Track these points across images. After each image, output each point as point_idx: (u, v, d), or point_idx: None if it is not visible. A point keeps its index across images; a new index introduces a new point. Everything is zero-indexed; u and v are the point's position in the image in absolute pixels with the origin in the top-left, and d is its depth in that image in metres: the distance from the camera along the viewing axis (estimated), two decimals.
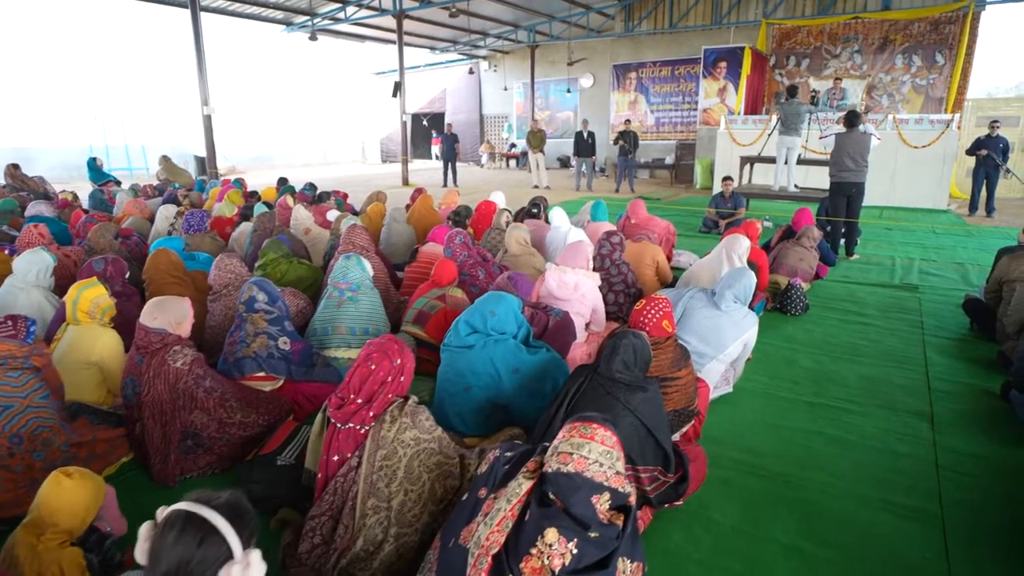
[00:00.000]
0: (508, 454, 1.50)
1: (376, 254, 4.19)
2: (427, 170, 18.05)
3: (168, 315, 2.30)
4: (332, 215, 6.37)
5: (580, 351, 3.10)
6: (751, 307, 3.85)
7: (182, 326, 2.36)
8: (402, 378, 1.82)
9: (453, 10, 11.75)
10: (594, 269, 3.76)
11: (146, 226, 5.82)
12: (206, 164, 10.61)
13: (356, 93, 23.30)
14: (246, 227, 5.35)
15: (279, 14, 14.32)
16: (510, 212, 4.89)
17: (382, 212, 6.07)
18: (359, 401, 1.76)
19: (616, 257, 3.74)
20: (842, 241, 6.33)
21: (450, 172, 13.98)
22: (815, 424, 2.73)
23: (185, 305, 2.39)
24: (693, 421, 2.43)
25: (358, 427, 1.75)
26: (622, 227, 5.45)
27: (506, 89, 19.80)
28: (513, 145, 19.75)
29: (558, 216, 4.87)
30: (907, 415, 2.81)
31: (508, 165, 19.92)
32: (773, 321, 4.17)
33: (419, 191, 6.69)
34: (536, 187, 13.42)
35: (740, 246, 3.50)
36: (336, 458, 1.76)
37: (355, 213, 7.01)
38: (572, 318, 3.16)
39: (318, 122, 22.89)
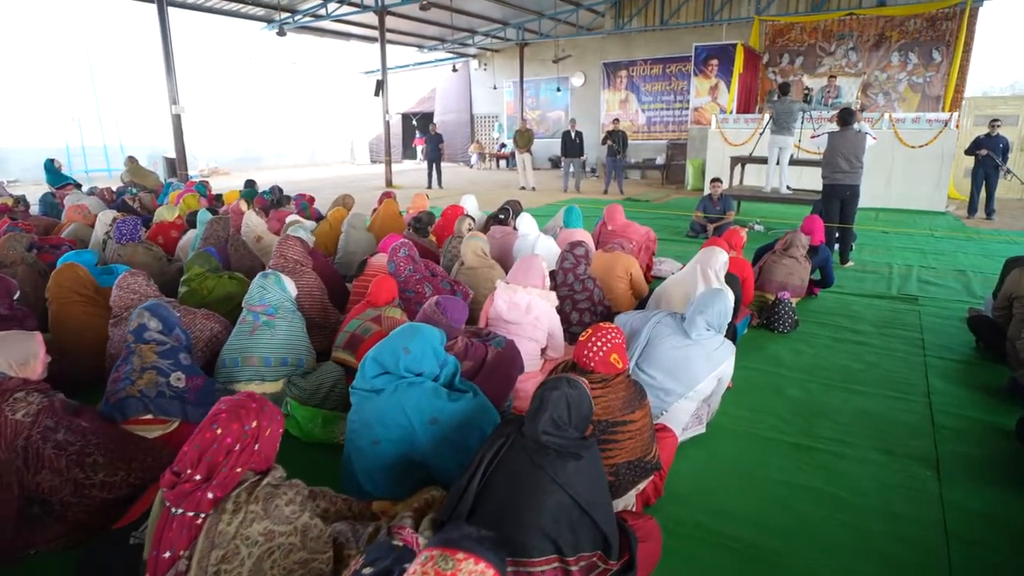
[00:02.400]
0: (367, 571, 1.09)
1: (316, 268, 3.77)
2: (415, 171, 17.63)
3: (6, 354, 1.89)
4: (292, 221, 5.96)
5: (533, 383, 2.68)
6: (734, 325, 3.47)
7: (29, 367, 1.94)
8: (256, 446, 1.41)
9: (425, 2, 11.31)
10: (557, 285, 3.36)
11: (89, 233, 5.39)
12: (176, 166, 10.18)
13: (344, 93, 22.89)
14: (193, 234, 4.94)
15: (259, 11, 13.86)
16: (472, 219, 4.48)
17: (344, 218, 5.65)
18: (197, 478, 1.34)
19: (581, 271, 3.33)
20: (836, 247, 5.94)
21: (435, 173, 13.57)
22: (802, 474, 2.32)
23: (33, 342, 1.97)
24: (652, 477, 2.02)
25: (192, 515, 1.33)
26: (598, 233, 5.04)
27: (495, 88, 19.39)
28: (503, 145, 19.33)
29: (526, 223, 4.46)
30: (909, 461, 2.41)
31: (498, 165, 19.51)
32: (759, 340, 3.77)
33: (386, 195, 6.28)
34: (523, 188, 13.03)
35: (716, 261, 3.08)
36: (167, 555, 1.34)
37: (320, 218, 6.60)
38: (521, 346, 2.75)
39: (306, 122, 22.48)
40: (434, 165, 13.54)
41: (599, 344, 1.92)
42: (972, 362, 3.47)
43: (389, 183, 13.76)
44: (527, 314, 2.76)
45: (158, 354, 2.36)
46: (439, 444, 1.91)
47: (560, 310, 3.31)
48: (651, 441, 1.98)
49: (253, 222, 5.15)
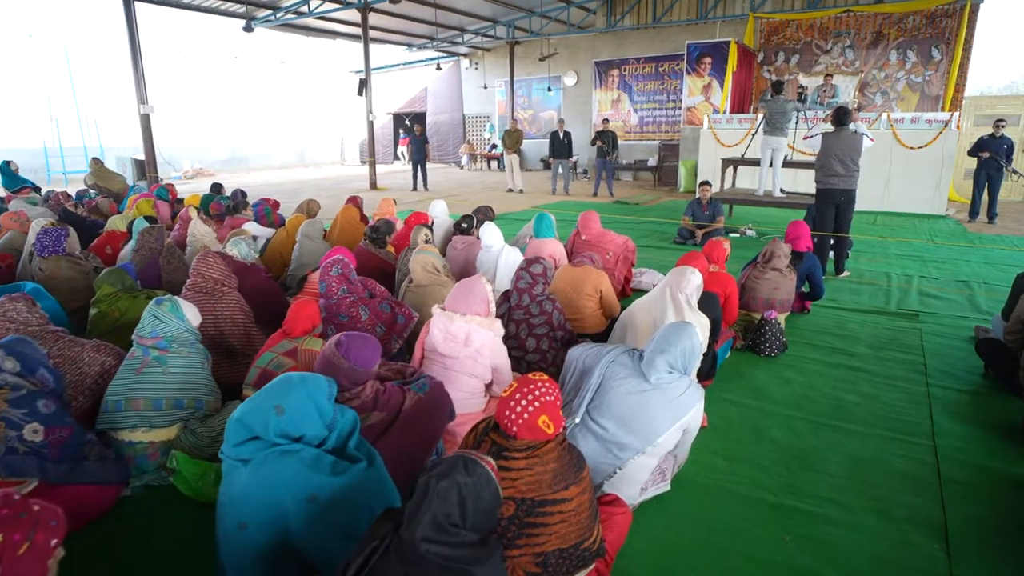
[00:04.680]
0: None
1: (252, 286, 3.39)
2: (403, 172, 17.20)
3: None
4: (253, 229, 5.57)
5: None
6: (714, 350, 3.08)
7: None
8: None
9: None
10: (511, 307, 2.97)
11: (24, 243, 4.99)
12: (145, 168, 9.78)
13: (334, 92, 22.48)
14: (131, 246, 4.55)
15: (239, 7, 13.42)
16: (429, 230, 4.08)
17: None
18: None
19: (538, 292, 2.93)
20: (831, 255, 5.56)
21: (420, 175, 13.18)
22: (782, 548, 1.92)
23: None
24: (594, 565, 1.63)
25: None
26: (571, 243, 4.65)
27: (486, 88, 18.99)
28: (494, 146, 18.94)
29: (490, 233, 4.06)
30: (911, 528, 2.02)
31: (489, 167, 19.12)
32: (742, 366, 3.38)
33: (351, 200, 5.87)
34: (511, 190, 12.66)
35: (688, 284, 2.67)
36: None
37: (280, 225, 6.20)
38: (459, 384, 2.37)
39: (295, 123, 22.07)
40: (419, 167, 13.15)
41: (524, 403, 1.52)
42: (981, 392, 3.08)
43: (373, 185, 13.38)
44: (466, 347, 2.36)
45: (9, 402, 1.96)
46: (320, 527, 1.51)
47: (515, 336, 2.94)
48: (591, 522, 1.58)
49: (200, 232, 4.75)
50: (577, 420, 2.05)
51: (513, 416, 1.53)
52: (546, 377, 1.60)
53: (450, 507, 1.18)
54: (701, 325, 2.61)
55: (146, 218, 4.58)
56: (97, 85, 16.36)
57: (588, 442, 2.01)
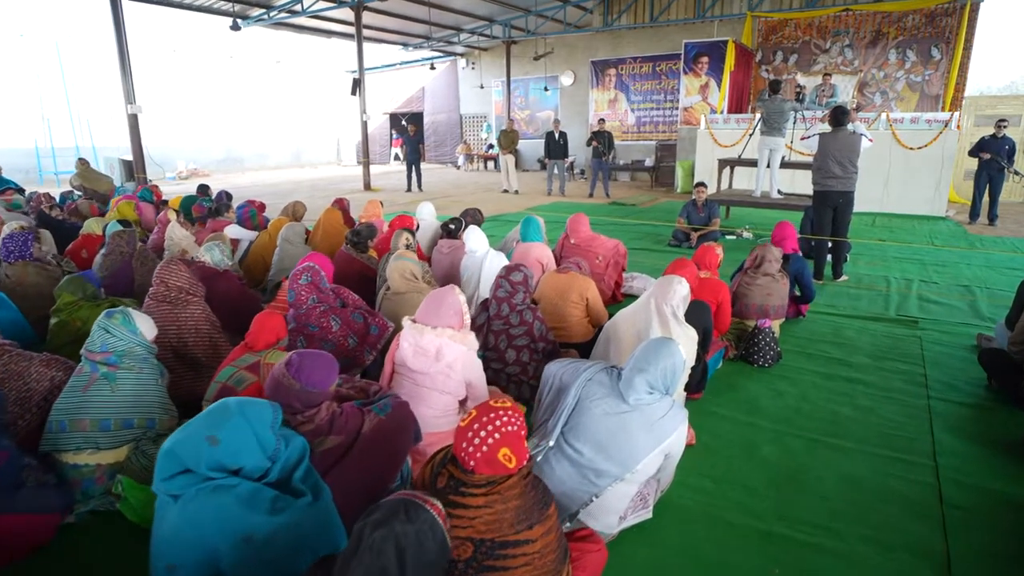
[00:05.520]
0: None
1: (223, 292, 3.25)
2: (399, 172, 17.05)
3: None
4: (234, 232, 5.43)
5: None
6: (705, 362, 2.94)
7: None
8: None
9: None
10: (490, 317, 2.83)
11: None
12: (133, 168, 9.63)
13: (330, 92, 22.32)
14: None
15: (231, 6, 13.27)
16: (411, 235, 3.93)
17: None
18: None
19: (518, 301, 2.79)
20: (829, 259, 5.41)
21: (414, 175, 13.05)
22: None
23: None
24: None
25: None
26: (560, 248, 4.51)
27: (482, 87, 18.85)
28: (491, 146, 18.80)
29: (474, 238, 3.91)
30: (911, 558, 1.87)
31: (487, 167, 18.98)
32: (733, 377, 3.23)
33: (336, 202, 5.73)
34: (506, 191, 12.52)
35: (674, 295, 2.52)
36: None
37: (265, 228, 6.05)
38: (430, 401, 2.23)
39: (291, 122, 21.93)
40: (414, 167, 13.02)
41: (483, 434, 1.38)
42: (983, 406, 2.94)
43: (368, 186, 13.25)
44: (436, 361, 2.22)
45: None
46: (256, 570, 1.37)
47: (494, 347, 2.80)
48: (559, 564, 1.44)
49: (177, 235, 4.60)
50: (551, 443, 1.91)
51: (471, 449, 1.38)
52: (509, 404, 1.46)
53: (385, 561, 1.04)
54: (688, 338, 2.47)
55: (120, 221, 4.44)
56: (89, 85, 16.20)
57: (563, 467, 1.87)
